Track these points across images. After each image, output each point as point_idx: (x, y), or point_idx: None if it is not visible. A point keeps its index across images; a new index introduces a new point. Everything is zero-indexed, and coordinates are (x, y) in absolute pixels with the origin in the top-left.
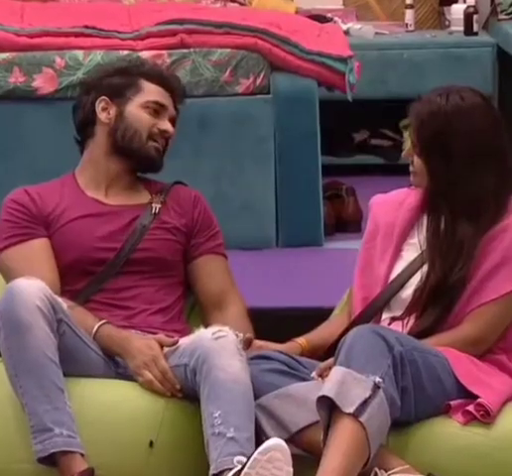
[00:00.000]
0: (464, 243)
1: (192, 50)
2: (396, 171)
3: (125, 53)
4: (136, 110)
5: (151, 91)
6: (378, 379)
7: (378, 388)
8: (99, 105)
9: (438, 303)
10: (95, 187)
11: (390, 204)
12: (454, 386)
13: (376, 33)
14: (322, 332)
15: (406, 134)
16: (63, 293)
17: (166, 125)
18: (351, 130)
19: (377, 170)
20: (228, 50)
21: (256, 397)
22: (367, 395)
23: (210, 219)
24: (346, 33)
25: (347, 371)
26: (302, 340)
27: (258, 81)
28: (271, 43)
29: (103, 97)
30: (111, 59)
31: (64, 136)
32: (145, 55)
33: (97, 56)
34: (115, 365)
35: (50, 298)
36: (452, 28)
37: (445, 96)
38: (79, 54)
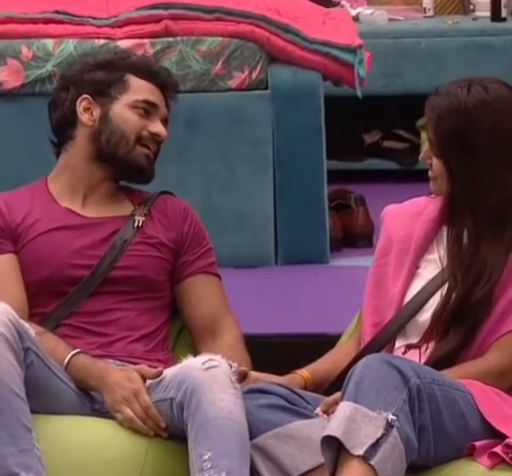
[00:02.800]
0: (489, 255)
1: (178, 38)
2: (412, 177)
3: (101, 42)
4: (123, 111)
5: (140, 89)
6: (391, 416)
7: (391, 426)
8: (81, 105)
9: (459, 327)
10: (71, 196)
11: (405, 215)
12: (480, 424)
13: (390, 19)
14: (328, 363)
15: (424, 135)
16: (31, 316)
17: (157, 127)
18: (361, 130)
19: (391, 176)
20: (220, 38)
21: (252, 436)
22: (379, 434)
23: (202, 234)
24: (356, 19)
25: (356, 407)
26: (304, 372)
27: (254, 75)
28: (269, 30)
29: (85, 96)
30: (85, 48)
31: (30, 137)
32: (124, 44)
33: (69, 45)
34: (90, 400)
35: (15, 324)
36: (477, 13)
37: (466, 88)
38: (49, 43)
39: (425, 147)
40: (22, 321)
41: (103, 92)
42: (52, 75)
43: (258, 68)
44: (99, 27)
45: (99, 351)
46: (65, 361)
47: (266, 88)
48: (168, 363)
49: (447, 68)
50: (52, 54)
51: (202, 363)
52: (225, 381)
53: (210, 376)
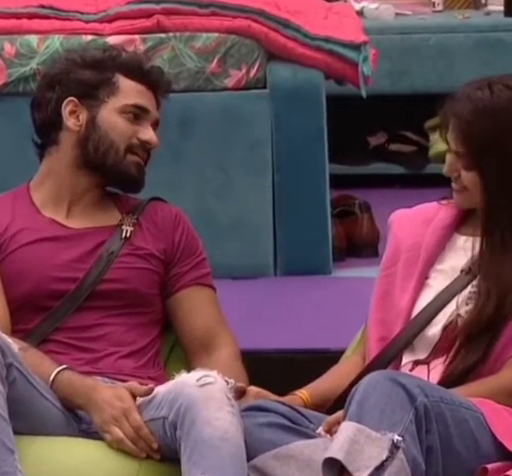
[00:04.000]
0: None
1: (170, 34)
2: (420, 182)
3: (89, 38)
4: (112, 116)
5: (130, 91)
6: (397, 437)
7: (397, 448)
8: (66, 108)
9: (478, 342)
10: (54, 206)
11: (414, 222)
12: (492, 445)
13: (396, 13)
14: (329, 381)
15: (433, 137)
16: (13, 332)
17: (148, 134)
18: (366, 132)
19: (397, 181)
20: (216, 34)
21: (250, 457)
22: (384, 456)
23: (195, 243)
24: (360, 14)
25: (359, 427)
26: (303, 393)
27: (252, 73)
28: (268, 26)
29: (71, 98)
30: (72, 45)
31: (13, 140)
32: (113, 40)
33: (55, 41)
34: (77, 420)
35: None
36: (490, 7)
37: (486, 89)
38: (33, 39)
39: (435, 150)
40: (4, 336)
41: (91, 94)
42: (36, 74)
43: (256, 66)
44: (87, 22)
45: (87, 368)
46: (51, 377)
47: (264, 87)
48: (159, 380)
49: (457, 66)
50: (36, 51)
51: (197, 379)
52: (221, 398)
53: (206, 393)
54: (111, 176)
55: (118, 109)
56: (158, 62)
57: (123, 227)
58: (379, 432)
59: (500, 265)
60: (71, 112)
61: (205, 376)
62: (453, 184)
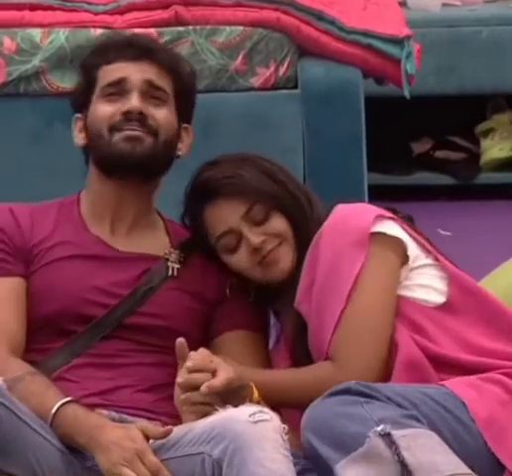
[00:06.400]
0: None
1: (190, 27)
2: (471, 193)
3: (98, 31)
4: (94, 107)
5: (104, 75)
6: (379, 429)
7: (388, 434)
8: (76, 127)
9: None
10: (98, 222)
11: None
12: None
13: (443, 4)
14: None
15: (485, 143)
16: (28, 351)
17: (127, 103)
18: (409, 138)
19: (444, 192)
20: (240, 27)
21: None
22: (390, 453)
23: None
24: (403, 4)
25: (349, 459)
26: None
27: (281, 71)
28: (299, 18)
29: (77, 115)
30: (80, 39)
31: (13, 145)
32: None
33: (60, 36)
34: (80, 457)
35: None
36: None
37: None
38: (36, 33)
39: (488, 157)
40: None
41: (85, 102)
42: (39, 72)
43: (286, 64)
44: (96, 14)
45: (97, 399)
46: (53, 410)
47: (295, 87)
48: (177, 418)
49: (511, 63)
50: (39, 46)
51: (250, 415)
52: (277, 439)
53: (260, 431)
54: (111, 165)
55: (97, 97)
56: None
57: (169, 264)
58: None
59: None
60: (81, 129)
61: (260, 412)
62: None
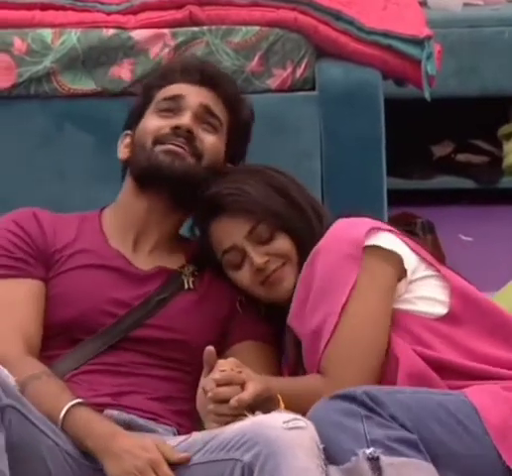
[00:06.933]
0: None
1: (205, 28)
2: (493, 198)
3: (111, 32)
4: (145, 121)
5: (166, 90)
6: (367, 451)
7: (377, 459)
8: (123, 142)
9: None
10: (122, 238)
11: None
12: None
13: (465, 4)
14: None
15: (507, 146)
16: (42, 357)
17: (180, 119)
18: (430, 141)
19: (466, 197)
20: (256, 28)
21: None
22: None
23: None
24: (423, 4)
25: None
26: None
27: (298, 72)
28: (317, 18)
29: (126, 132)
30: (92, 40)
31: (22, 149)
32: (139, 34)
33: (72, 36)
34: (92, 460)
35: None
36: None
37: None
38: (47, 33)
39: (510, 160)
40: (2, 370)
41: (137, 119)
42: (50, 73)
43: (303, 65)
44: (109, 14)
45: (107, 399)
46: (63, 412)
47: (313, 89)
48: (186, 428)
49: None
50: (50, 47)
51: (284, 421)
52: (312, 447)
53: (294, 438)
54: (147, 175)
55: (150, 112)
56: None
57: (184, 277)
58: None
59: None
60: (127, 145)
61: (295, 419)
62: None
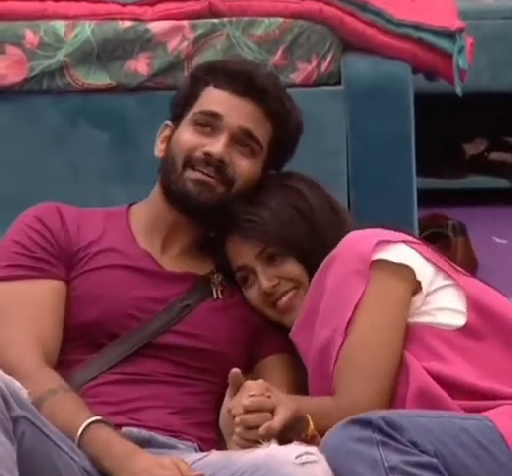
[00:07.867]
0: None
1: (226, 19)
2: None
3: (127, 24)
4: (181, 130)
5: (207, 99)
6: None
7: None
8: (161, 134)
9: None
10: (150, 237)
11: None
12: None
13: None
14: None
15: None
16: (60, 362)
17: (214, 145)
18: (462, 138)
19: (500, 197)
20: (280, 19)
21: None
22: None
23: None
24: None
25: None
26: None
27: (324, 66)
28: (343, 9)
29: (167, 122)
30: (107, 32)
31: (34, 145)
32: (156, 27)
33: (86, 28)
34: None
35: (2, 387)
36: None
37: None
38: (60, 26)
39: None
40: (12, 383)
41: (180, 114)
42: (63, 68)
43: (328, 58)
44: (124, 5)
45: (122, 418)
46: (81, 429)
47: (339, 84)
48: (210, 444)
49: None
50: (63, 39)
51: (296, 456)
52: None
53: (306, 474)
54: (174, 199)
55: (189, 120)
56: (210, 53)
57: (212, 285)
58: None
59: None
60: (164, 138)
61: (307, 453)
62: None
